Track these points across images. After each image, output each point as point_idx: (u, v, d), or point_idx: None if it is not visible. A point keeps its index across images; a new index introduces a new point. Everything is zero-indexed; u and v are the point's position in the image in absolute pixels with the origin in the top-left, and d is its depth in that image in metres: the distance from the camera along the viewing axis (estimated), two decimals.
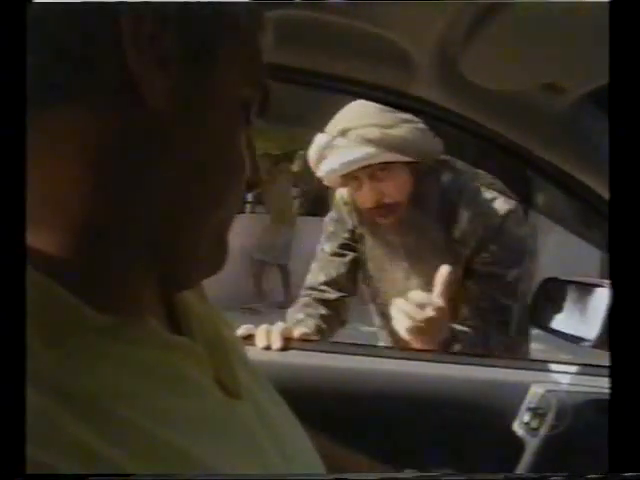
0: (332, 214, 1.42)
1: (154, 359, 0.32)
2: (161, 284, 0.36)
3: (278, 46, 0.67)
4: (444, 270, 1.07)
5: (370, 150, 1.12)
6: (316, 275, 1.39)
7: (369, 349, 1.11)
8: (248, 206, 6.94)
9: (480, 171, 1.20)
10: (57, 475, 0.23)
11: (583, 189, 0.83)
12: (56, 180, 0.30)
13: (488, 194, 1.20)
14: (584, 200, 0.85)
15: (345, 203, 1.37)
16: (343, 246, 1.37)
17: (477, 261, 1.20)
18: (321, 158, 1.21)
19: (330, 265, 1.38)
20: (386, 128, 1.10)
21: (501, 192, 1.20)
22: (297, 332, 1.09)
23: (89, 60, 0.30)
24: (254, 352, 0.98)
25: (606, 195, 0.81)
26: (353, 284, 1.39)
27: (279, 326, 1.06)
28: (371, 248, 1.33)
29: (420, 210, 1.21)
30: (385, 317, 1.37)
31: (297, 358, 1.02)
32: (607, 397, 0.91)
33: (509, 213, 1.18)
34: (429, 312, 1.03)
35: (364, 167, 1.15)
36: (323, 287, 1.37)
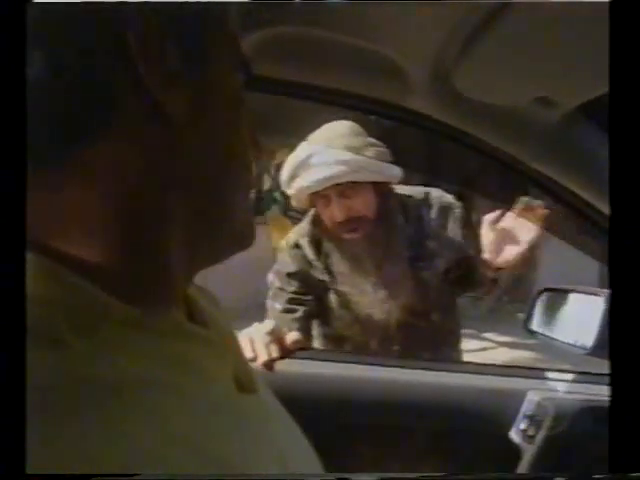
0: (276, 267, 1.43)
1: (177, 350, 0.34)
2: (183, 270, 0.37)
3: (278, 62, 0.70)
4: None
5: (342, 169, 1.21)
6: None
7: (368, 358, 1.12)
8: None
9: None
10: (58, 475, 0.24)
11: (577, 200, 0.85)
12: (86, 193, 0.31)
13: (435, 195, 1.40)
14: (579, 211, 0.87)
15: (294, 246, 1.40)
16: (292, 301, 1.37)
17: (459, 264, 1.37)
18: (294, 176, 1.27)
19: (282, 323, 1.34)
20: (357, 150, 1.22)
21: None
22: (289, 338, 0.99)
23: (104, 89, 0.30)
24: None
25: (600, 205, 0.83)
26: (306, 338, 1.36)
27: (264, 335, 0.97)
28: (337, 264, 1.35)
29: (385, 225, 1.31)
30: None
31: (292, 366, 1.02)
32: (603, 404, 0.92)
33: (462, 212, 1.40)
34: None
35: (334, 185, 1.23)
36: None
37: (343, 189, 1.25)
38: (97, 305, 0.30)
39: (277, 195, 5.97)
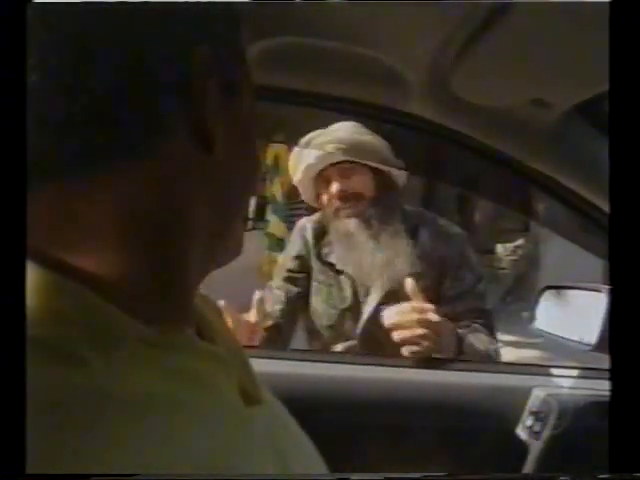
0: (286, 247, 1.52)
1: (188, 366, 0.35)
2: (199, 274, 0.39)
3: (278, 70, 0.71)
4: (410, 282, 1.13)
5: (341, 146, 1.26)
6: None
7: (374, 358, 1.13)
8: (250, 222, 6.91)
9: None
10: (58, 475, 0.24)
11: (578, 198, 0.86)
12: (104, 211, 0.32)
13: (442, 220, 1.41)
14: (580, 209, 0.88)
15: (301, 228, 1.47)
16: (287, 279, 1.43)
17: (449, 287, 1.32)
18: (299, 160, 1.35)
19: (274, 299, 1.42)
20: (357, 134, 1.26)
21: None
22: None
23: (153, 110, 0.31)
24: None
25: (600, 203, 0.84)
26: (290, 319, 1.42)
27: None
28: (336, 247, 1.39)
29: (381, 205, 1.34)
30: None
31: (298, 368, 1.04)
32: (607, 399, 0.93)
33: (464, 236, 1.38)
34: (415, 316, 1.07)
35: (335, 164, 1.30)
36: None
37: (342, 170, 1.31)
38: (115, 324, 0.31)
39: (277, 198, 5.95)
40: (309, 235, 1.44)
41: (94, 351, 0.30)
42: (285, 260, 1.46)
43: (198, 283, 0.40)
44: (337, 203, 1.32)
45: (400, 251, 1.31)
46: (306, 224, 1.47)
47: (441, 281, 1.32)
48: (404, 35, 0.63)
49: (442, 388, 1.03)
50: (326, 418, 0.97)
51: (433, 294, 1.28)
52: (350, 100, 0.78)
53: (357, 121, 1.24)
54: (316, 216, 1.48)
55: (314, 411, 0.93)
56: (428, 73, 0.69)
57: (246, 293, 1.28)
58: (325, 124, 1.22)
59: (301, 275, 1.42)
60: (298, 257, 1.43)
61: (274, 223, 5.66)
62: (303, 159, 1.34)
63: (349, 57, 0.67)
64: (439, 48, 0.64)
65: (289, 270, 1.43)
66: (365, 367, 1.07)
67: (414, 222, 1.37)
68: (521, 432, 0.99)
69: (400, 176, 1.36)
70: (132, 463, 0.27)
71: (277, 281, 1.44)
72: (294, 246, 1.46)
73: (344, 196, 1.31)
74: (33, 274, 0.30)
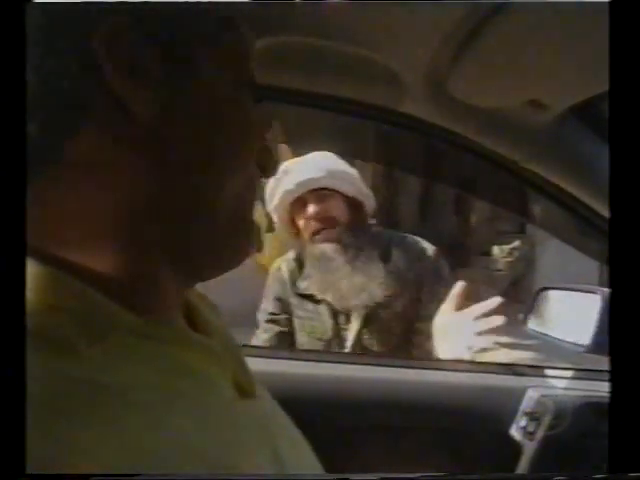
0: (265, 290, 1.53)
1: (180, 357, 0.35)
2: (182, 279, 0.38)
3: (275, 69, 0.72)
4: (460, 286, 1.16)
5: (320, 173, 1.33)
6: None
7: (374, 358, 1.13)
8: None
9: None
10: (58, 475, 0.24)
11: (574, 201, 0.86)
12: (84, 202, 0.32)
13: (412, 239, 1.45)
14: (575, 211, 0.88)
15: (277, 269, 1.50)
16: (268, 321, 1.47)
17: (426, 304, 1.36)
18: (276, 187, 1.39)
19: (258, 341, 1.45)
20: (333, 164, 1.34)
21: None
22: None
23: (70, 78, 0.30)
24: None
25: (597, 206, 0.84)
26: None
27: None
28: (310, 270, 1.42)
29: (355, 233, 1.38)
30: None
31: (296, 367, 1.04)
32: (601, 400, 0.93)
33: (436, 251, 1.42)
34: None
35: (312, 191, 1.34)
36: None
37: (319, 195, 1.35)
38: (106, 314, 0.32)
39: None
40: (285, 275, 1.48)
41: (85, 340, 0.30)
42: (266, 304, 1.49)
43: (191, 279, 0.40)
44: (313, 225, 1.36)
45: (374, 276, 1.36)
46: (280, 265, 1.51)
47: (419, 298, 1.37)
48: (402, 36, 0.64)
49: (437, 388, 1.04)
50: (326, 418, 0.97)
51: (411, 312, 1.35)
52: (349, 100, 0.79)
53: (356, 121, 1.25)
54: (290, 254, 1.52)
55: (313, 411, 0.93)
56: (425, 74, 0.70)
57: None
58: (324, 124, 1.22)
59: (283, 316, 1.45)
60: (277, 299, 1.47)
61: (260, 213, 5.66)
62: (281, 186, 1.38)
63: (348, 57, 0.67)
64: (436, 49, 0.64)
65: (271, 313, 1.46)
66: (364, 367, 1.07)
67: (386, 244, 1.42)
68: (515, 433, 1.00)
69: (371, 206, 1.43)
70: (119, 454, 0.27)
71: (261, 324, 1.47)
72: (272, 289, 1.49)
73: (320, 218, 1.36)
74: (28, 267, 0.31)
